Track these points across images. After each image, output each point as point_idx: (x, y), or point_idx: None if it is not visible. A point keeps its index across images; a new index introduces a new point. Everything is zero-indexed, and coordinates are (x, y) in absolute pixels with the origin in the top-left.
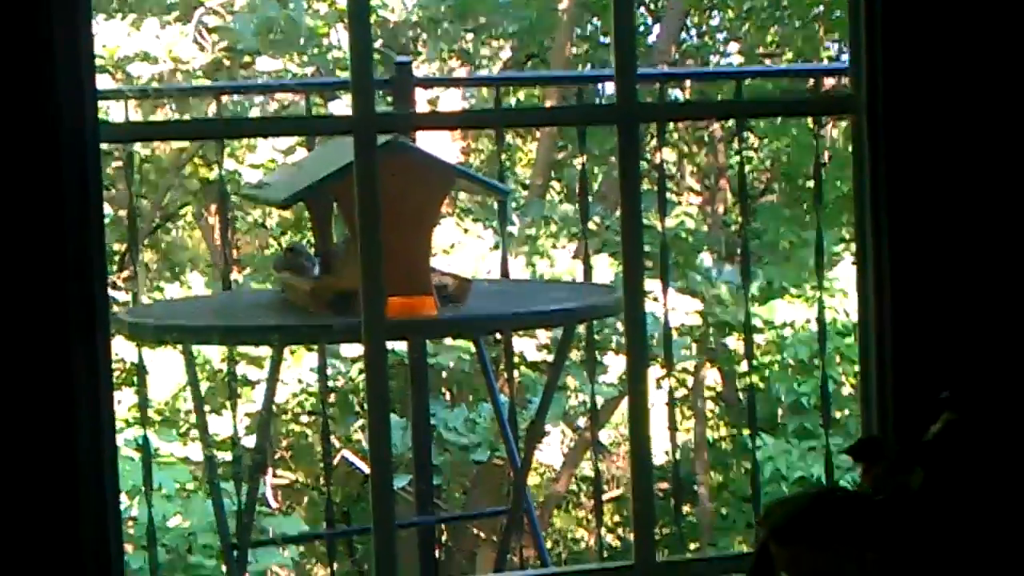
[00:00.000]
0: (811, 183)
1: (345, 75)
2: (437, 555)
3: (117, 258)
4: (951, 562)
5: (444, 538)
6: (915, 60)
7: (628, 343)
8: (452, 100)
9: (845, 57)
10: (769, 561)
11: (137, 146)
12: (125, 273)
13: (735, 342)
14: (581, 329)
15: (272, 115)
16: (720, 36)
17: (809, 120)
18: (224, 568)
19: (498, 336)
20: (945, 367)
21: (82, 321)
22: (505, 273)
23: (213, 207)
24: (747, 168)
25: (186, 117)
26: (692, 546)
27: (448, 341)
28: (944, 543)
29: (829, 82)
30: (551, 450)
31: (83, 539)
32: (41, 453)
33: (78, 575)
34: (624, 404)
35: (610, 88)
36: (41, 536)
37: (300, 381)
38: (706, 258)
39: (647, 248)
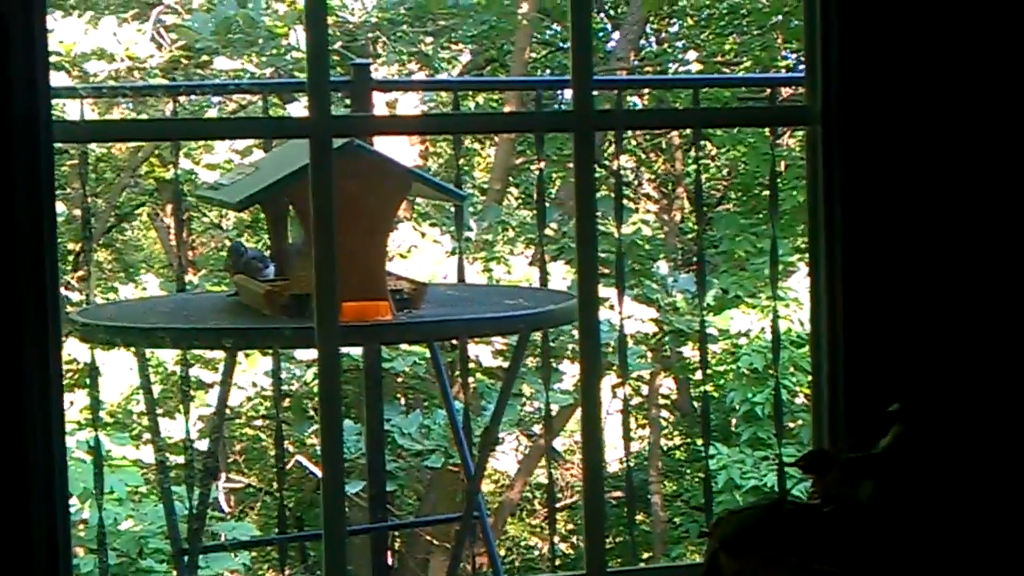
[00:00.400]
0: (768, 192)
1: (303, 76)
2: (390, 562)
3: (71, 258)
4: (900, 573)
5: (397, 544)
6: (870, 72)
7: (582, 351)
8: (410, 103)
9: (803, 67)
10: (719, 572)
11: (92, 144)
12: (79, 273)
13: (690, 351)
14: (537, 336)
15: (230, 115)
16: (679, 44)
17: (766, 130)
18: (174, 574)
19: (453, 342)
20: (896, 379)
21: (34, 321)
22: (462, 278)
23: (169, 207)
24: (704, 176)
25: (143, 116)
26: (645, 555)
27: (404, 346)
28: (893, 554)
29: (787, 91)
30: (505, 457)
31: (34, 541)
32: None
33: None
34: (578, 411)
35: (569, 94)
36: None
37: (254, 385)
38: (662, 266)
39: (604, 255)
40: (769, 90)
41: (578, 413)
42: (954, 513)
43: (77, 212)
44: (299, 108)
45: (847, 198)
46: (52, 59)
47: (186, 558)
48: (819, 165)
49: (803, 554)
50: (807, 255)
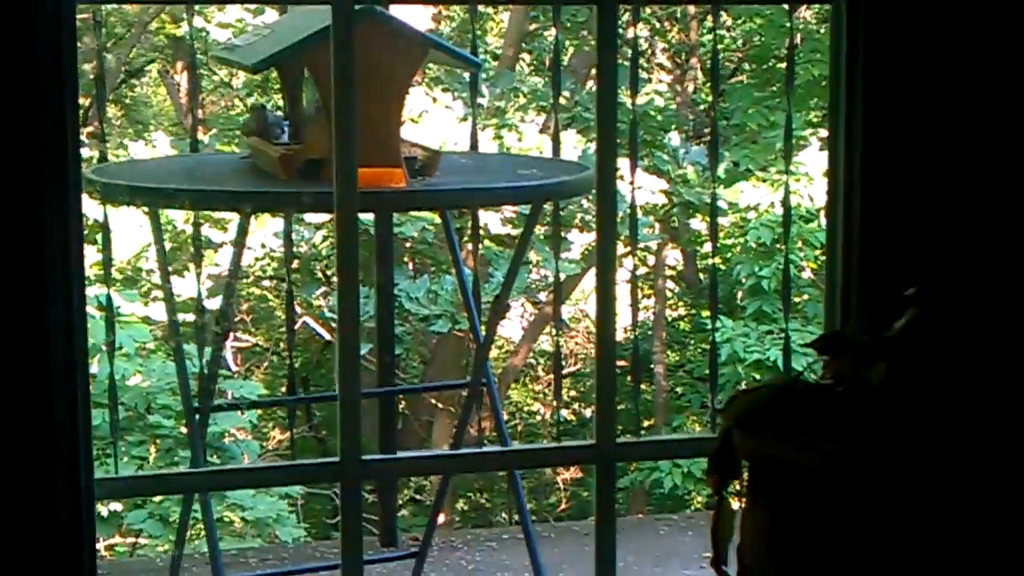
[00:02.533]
0: (781, 65)
1: None
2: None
3: (81, 113)
4: (910, 455)
5: (401, 407)
6: None
7: (599, 225)
8: None
9: None
10: (731, 449)
11: None
12: (89, 128)
13: (698, 223)
14: (548, 205)
15: None
16: None
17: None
18: (181, 430)
19: (465, 209)
20: (913, 262)
21: (55, 180)
22: (474, 146)
23: (179, 64)
24: (719, 47)
25: None
26: (646, 423)
27: (414, 212)
28: (903, 437)
29: None
30: (511, 324)
31: (54, 396)
32: (9, 309)
33: (47, 431)
34: (584, 281)
35: None
36: (10, 393)
37: (263, 246)
38: (674, 137)
39: (618, 126)
40: None
41: (583, 282)
42: (966, 399)
43: (87, 67)
44: None
45: (869, 74)
46: None
47: (197, 417)
48: (842, 43)
49: (815, 433)
50: (819, 129)
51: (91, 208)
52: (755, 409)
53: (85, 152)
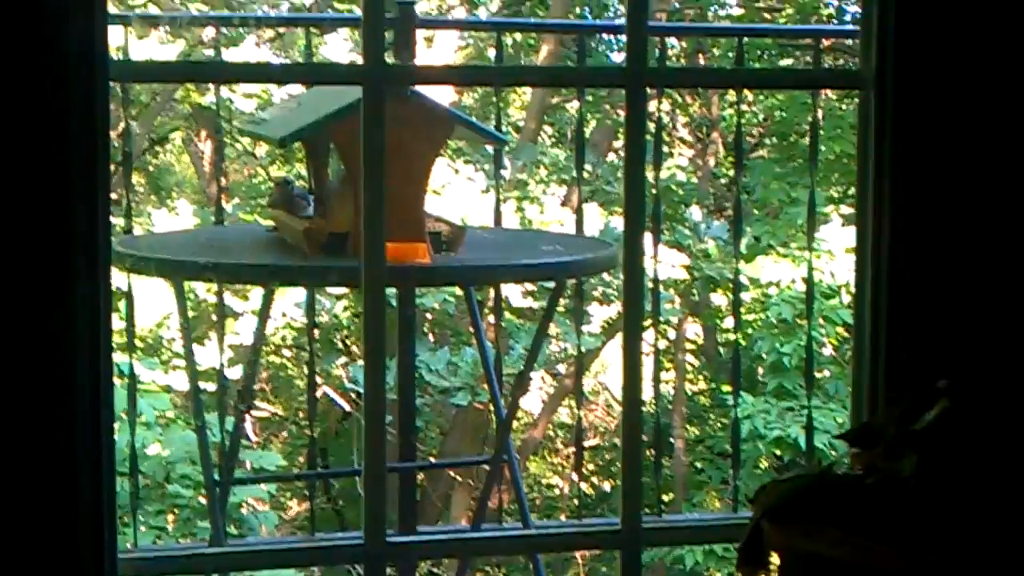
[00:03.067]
0: (804, 140)
1: (344, 7)
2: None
3: None
4: (942, 549)
5: (420, 479)
6: (927, 36)
7: (625, 302)
8: (448, 39)
9: (847, 13)
10: (761, 541)
11: None
12: (114, 197)
13: (719, 297)
14: (571, 280)
15: (267, 41)
16: None
17: None
18: (200, 500)
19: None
20: (941, 352)
21: (86, 249)
22: (498, 221)
23: (203, 133)
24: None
25: (181, 42)
26: (666, 498)
27: None
28: (936, 530)
29: (828, 41)
30: (530, 396)
31: (79, 463)
32: (39, 377)
33: (72, 499)
34: (604, 353)
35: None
36: (38, 459)
37: (284, 315)
38: (695, 212)
39: None
40: (812, 39)
41: (602, 354)
42: (998, 493)
43: (114, 135)
44: (339, 39)
45: (897, 162)
46: None
47: (218, 490)
48: (871, 129)
49: (845, 526)
50: (840, 205)
51: (115, 277)
52: (785, 500)
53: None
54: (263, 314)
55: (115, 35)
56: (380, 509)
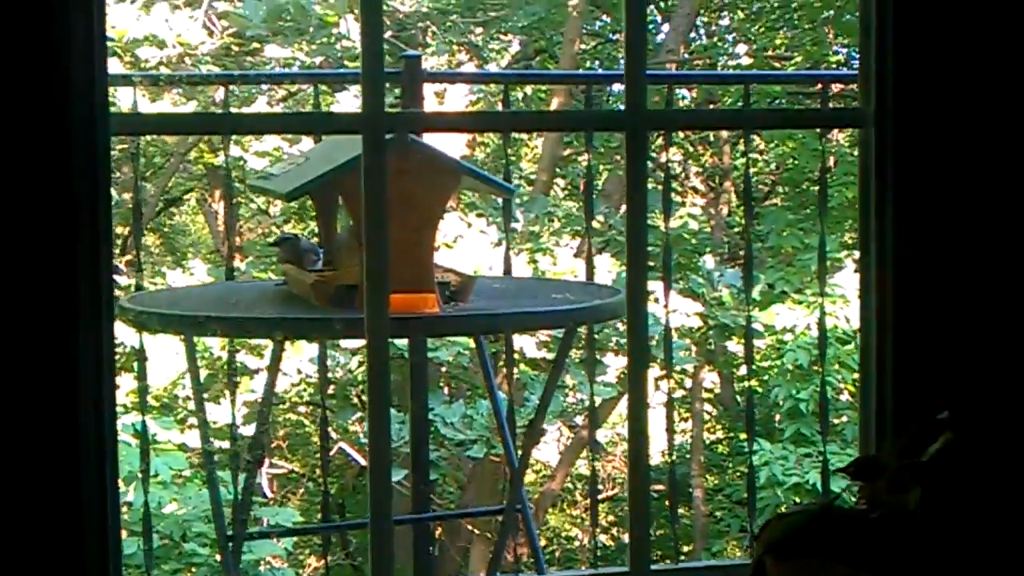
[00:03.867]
0: (816, 188)
1: (354, 65)
2: (430, 550)
3: (120, 242)
4: None
5: (438, 533)
6: (925, 74)
7: (629, 346)
8: (459, 93)
9: (856, 62)
10: None
11: None
12: (127, 257)
13: (734, 345)
14: (583, 329)
15: (279, 102)
16: (729, 37)
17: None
18: (217, 558)
19: (500, 333)
20: (946, 383)
21: (89, 308)
22: (508, 271)
23: (217, 193)
24: (752, 171)
25: (193, 103)
26: (685, 548)
27: (447, 337)
28: (941, 564)
29: (838, 87)
30: (547, 448)
31: (84, 522)
32: (44, 436)
33: (79, 558)
34: (621, 404)
35: (618, 86)
36: (43, 519)
37: (299, 371)
38: (708, 260)
39: (650, 249)
40: (821, 85)
41: (620, 405)
42: (1003, 525)
43: (126, 196)
44: (350, 97)
45: (899, 200)
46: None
47: (231, 545)
48: (872, 167)
49: (850, 561)
50: (854, 252)
51: (128, 336)
52: (788, 535)
53: (123, 280)
54: (273, 367)
55: (126, 96)
56: (388, 562)
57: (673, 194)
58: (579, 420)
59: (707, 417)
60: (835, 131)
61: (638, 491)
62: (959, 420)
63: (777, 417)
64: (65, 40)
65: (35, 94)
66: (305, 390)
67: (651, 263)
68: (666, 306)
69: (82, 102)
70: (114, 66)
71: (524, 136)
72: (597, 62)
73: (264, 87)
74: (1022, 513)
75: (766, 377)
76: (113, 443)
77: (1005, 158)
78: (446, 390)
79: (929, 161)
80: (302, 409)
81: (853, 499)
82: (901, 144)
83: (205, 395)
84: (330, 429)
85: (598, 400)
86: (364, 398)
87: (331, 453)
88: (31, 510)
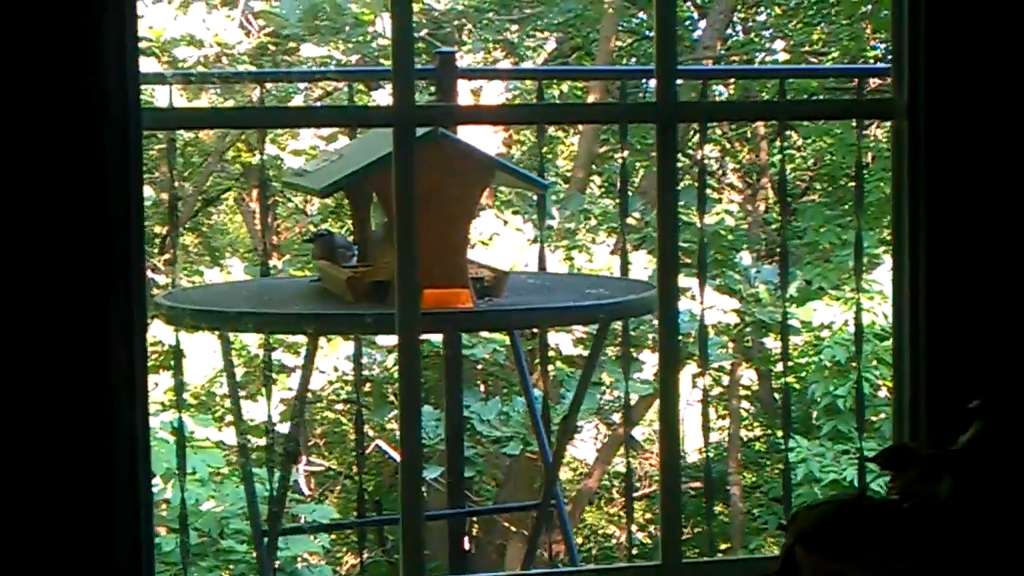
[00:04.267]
0: (852, 184)
1: (389, 63)
2: (467, 547)
3: (157, 241)
4: (979, 571)
5: (475, 530)
6: (957, 65)
7: (661, 341)
8: (495, 91)
9: (891, 58)
10: (795, 566)
11: (180, 130)
12: (165, 256)
13: (772, 342)
14: (618, 325)
15: (315, 101)
16: (766, 33)
17: (853, 121)
18: (254, 554)
19: (534, 330)
20: (979, 374)
21: (121, 304)
22: (543, 267)
23: (254, 192)
24: (789, 167)
25: (230, 102)
26: (723, 546)
27: (484, 333)
28: (972, 553)
29: (875, 82)
30: (584, 446)
31: (117, 520)
32: (77, 433)
33: (111, 555)
34: (658, 401)
35: (653, 83)
36: (76, 517)
37: (336, 369)
38: (745, 256)
39: (686, 245)
40: (856, 80)
41: (657, 403)
42: None
43: (164, 196)
44: (384, 95)
45: (932, 192)
46: (142, 45)
47: (266, 540)
48: (904, 159)
49: (880, 551)
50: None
51: (165, 333)
52: (819, 525)
53: (161, 279)
54: (307, 363)
55: (163, 97)
56: (419, 557)
57: (710, 191)
58: (616, 417)
59: (744, 414)
60: (872, 127)
61: (670, 486)
62: (991, 409)
63: (814, 414)
64: (96, 34)
65: (68, 89)
66: (342, 388)
67: (687, 260)
68: (702, 302)
69: (115, 97)
70: (152, 65)
71: (560, 134)
72: (633, 59)
73: (301, 87)
74: None
75: (803, 374)
76: (146, 439)
77: None
78: (482, 388)
79: (962, 154)
80: (339, 407)
81: (883, 492)
82: (933, 136)
83: (243, 393)
84: (367, 427)
85: (634, 397)
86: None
87: (368, 450)
88: (64, 507)
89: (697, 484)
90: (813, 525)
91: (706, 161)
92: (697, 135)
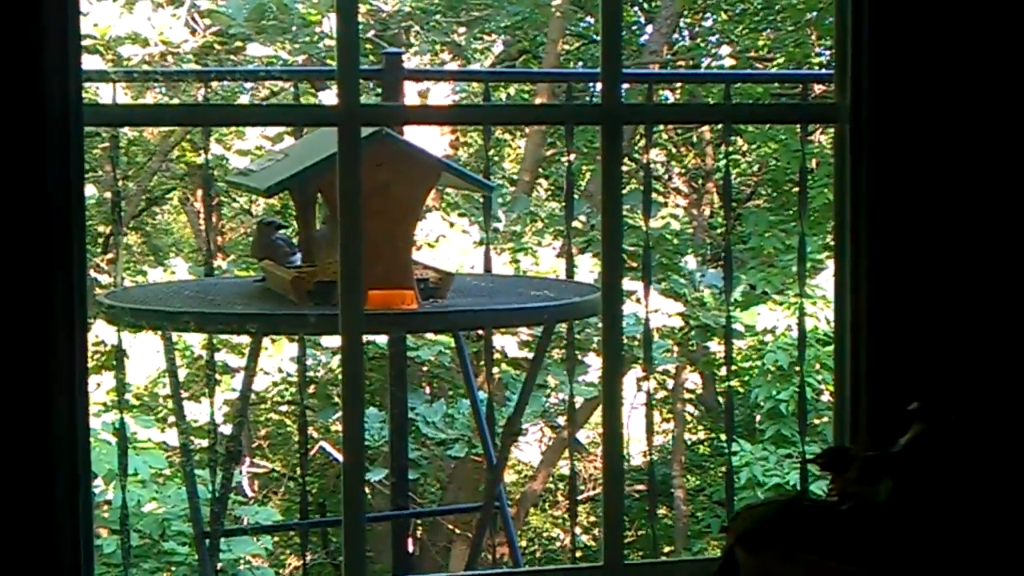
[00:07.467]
0: (796, 189)
1: (335, 64)
2: (411, 549)
3: (101, 241)
4: (918, 572)
5: (419, 532)
6: (900, 71)
7: (605, 344)
8: (442, 93)
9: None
10: (735, 567)
11: (124, 128)
12: (108, 256)
13: (716, 346)
14: (563, 328)
15: (261, 102)
16: (712, 38)
17: (797, 127)
18: (196, 556)
19: (480, 332)
20: (919, 378)
21: (62, 302)
22: (488, 269)
23: (199, 192)
24: (734, 172)
25: (175, 101)
26: (667, 549)
27: (429, 335)
28: (910, 554)
29: (820, 88)
30: (529, 448)
31: (57, 520)
32: (17, 434)
33: (51, 557)
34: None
35: (600, 87)
36: (15, 518)
37: (280, 370)
38: (690, 260)
39: (632, 248)
40: (801, 86)
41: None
42: (972, 513)
43: (108, 195)
44: (331, 96)
45: (874, 196)
46: (86, 43)
47: (208, 541)
48: (847, 163)
49: (820, 551)
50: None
51: (108, 333)
52: (759, 526)
53: (104, 279)
54: (250, 363)
55: (107, 95)
56: (360, 558)
57: (656, 195)
58: (561, 420)
59: (688, 418)
60: (817, 133)
61: (612, 487)
62: (929, 411)
63: (758, 418)
64: (38, 30)
65: (7, 85)
66: (286, 389)
67: (632, 263)
68: (647, 306)
69: (56, 92)
70: (96, 63)
71: (507, 136)
72: (580, 63)
73: (247, 87)
74: (991, 503)
75: (747, 378)
76: (86, 440)
77: (979, 155)
78: (427, 389)
79: (903, 158)
80: (283, 408)
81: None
82: (875, 140)
83: (186, 393)
84: (311, 428)
85: (579, 400)
86: None
87: (312, 452)
88: (4, 509)
89: (641, 487)
90: (753, 526)
91: (652, 165)
92: (644, 139)
